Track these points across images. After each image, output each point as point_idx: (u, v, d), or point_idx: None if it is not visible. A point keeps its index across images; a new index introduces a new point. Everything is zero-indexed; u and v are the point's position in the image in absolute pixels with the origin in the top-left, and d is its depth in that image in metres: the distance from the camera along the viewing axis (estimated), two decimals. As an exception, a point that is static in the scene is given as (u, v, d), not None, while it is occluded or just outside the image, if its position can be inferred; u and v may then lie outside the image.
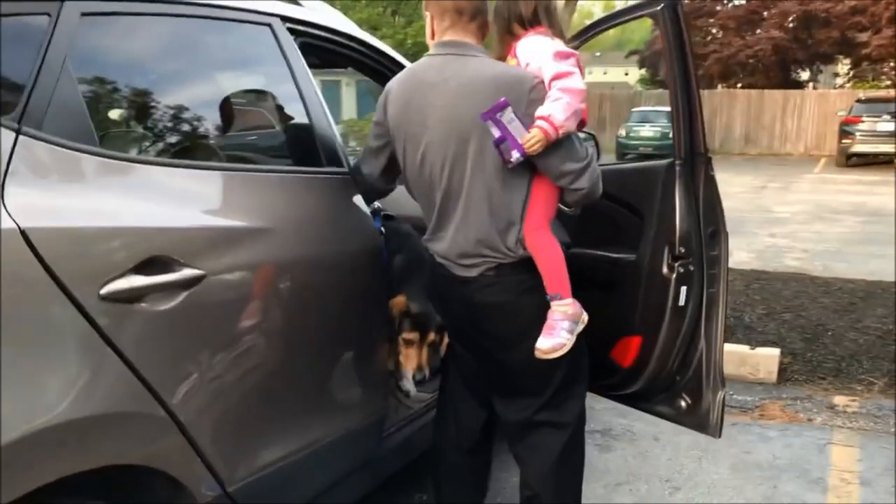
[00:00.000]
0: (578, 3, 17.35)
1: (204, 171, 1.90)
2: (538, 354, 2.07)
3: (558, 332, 2.07)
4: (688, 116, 2.37)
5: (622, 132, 21.70)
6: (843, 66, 30.02)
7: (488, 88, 1.99)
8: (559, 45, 2.08)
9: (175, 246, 1.68)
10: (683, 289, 2.43)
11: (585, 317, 2.16)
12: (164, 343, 1.65)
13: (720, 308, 2.47)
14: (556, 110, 1.96)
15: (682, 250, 2.41)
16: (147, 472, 1.65)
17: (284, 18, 2.30)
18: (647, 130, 21.22)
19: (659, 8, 2.31)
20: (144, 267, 1.60)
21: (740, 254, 7.95)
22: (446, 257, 2.15)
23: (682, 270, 2.42)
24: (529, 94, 2.00)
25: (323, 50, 2.55)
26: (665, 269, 2.44)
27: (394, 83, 2.19)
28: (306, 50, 2.37)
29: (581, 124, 2.14)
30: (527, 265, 2.10)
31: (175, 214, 1.72)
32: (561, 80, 2.00)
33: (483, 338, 2.23)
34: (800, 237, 9.36)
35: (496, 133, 1.95)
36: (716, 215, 2.47)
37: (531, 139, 1.95)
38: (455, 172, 2.06)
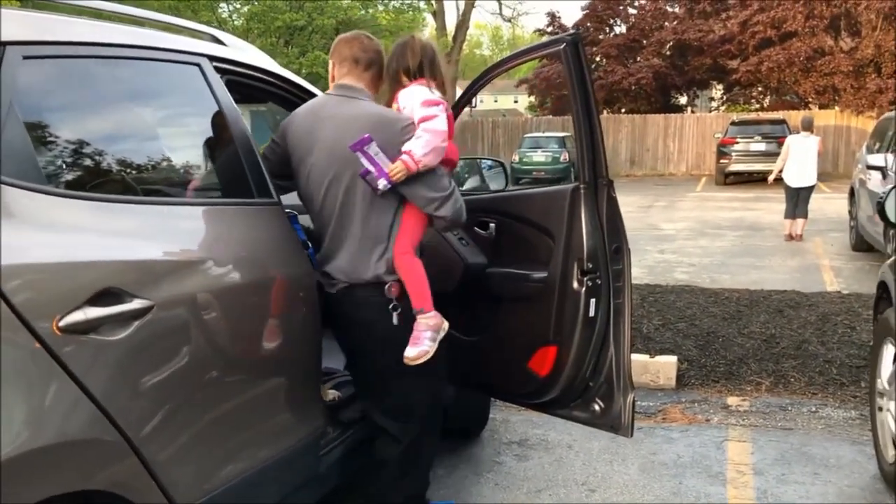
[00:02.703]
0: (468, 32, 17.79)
1: (144, 206, 1.98)
2: (406, 361, 2.40)
3: (423, 342, 2.41)
4: (590, 144, 2.60)
5: (515, 158, 22.22)
6: (717, 90, 31.62)
7: (364, 126, 2.38)
8: (430, 94, 2.49)
9: (125, 278, 1.75)
10: (592, 301, 2.65)
11: (446, 325, 2.51)
12: (117, 371, 1.72)
13: (626, 317, 2.70)
14: (417, 147, 2.36)
15: (590, 266, 2.63)
16: (105, 496, 1.71)
17: (212, 58, 2.40)
18: (539, 155, 21.82)
19: (562, 47, 2.53)
20: (98, 298, 1.67)
21: (634, 269, 8.31)
22: (320, 269, 2.50)
23: (590, 284, 2.63)
24: (401, 134, 2.40)
25: (246, 86, 2.65)
26: (575, 284, 2.65)
27: (296, 112, 2.60)
28: (231, 87, 2.48)
29: (450, 163, 2.56)
30: (379, 287, 2.44)
31: (123, 247, 1.80)
32: (425, 122, 2.40)
33: (345, 343, 2.67)
34: (687, 252, 9.92)
35: (365, 164, 2.32)
36: (618, 233, 2.71)
37: (395, 169, 2.34)
38: (330, 195, 2.45)
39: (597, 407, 2.77)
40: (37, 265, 1.58)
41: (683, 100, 31.23)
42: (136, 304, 1.76)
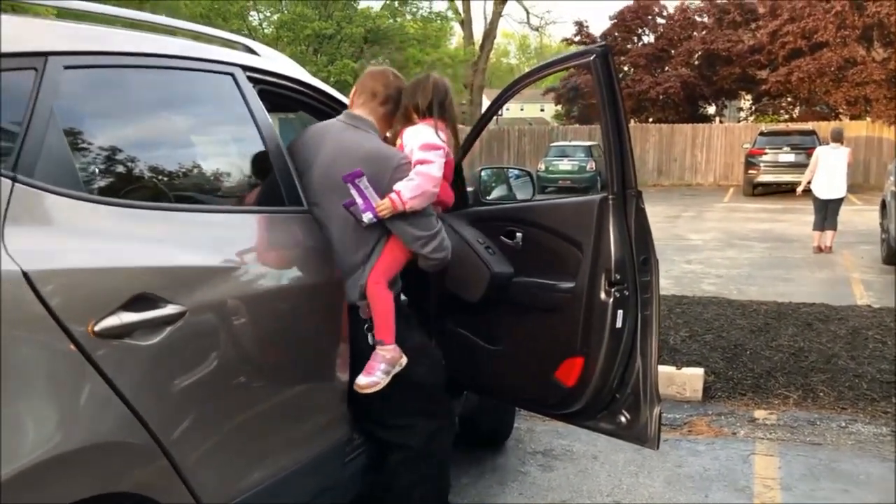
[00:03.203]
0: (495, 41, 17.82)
1: (180, 213, 2.02)
2: (356, 388, 2.45)
3: (375, 372, 2.45)
4: (619, 155, 2.60)
5: (541, 166, 22.19)
6: (746, 101, 31.40)
7: (358, 158, 2.45)
8: (433, 137, 2.53)
9: (159, 283, 1.79)
10: (620, 312, 2.64)
11: (404, 360, 2.52)
12: (150, 376, 1.75)
13: (654, 329, 2.69)
14: (407, 188, 2.40)
15: (618, 277, 2.62)
16: (133, 498, 1.73)
17: (245, 68, 2.44)
18: (565, 164, 21.79)
19: (591, 58, 2.54)
20: (133, 304, 1.70)
21: (661, 280, 8.27)
22: None
23: (618, 295, 2.63)
24: (393, 172, 2.44)
25: (278, 96, 2.69)
26: (603, 295, 2.64)
27: (306, 130, 2.67)
28: (263, 96, 2.51)
29: (443, 205, 2.70)
30: (356, 307, 2.51)
31: (158, 253, 1.83)
32: (421, 165, 2.46)
33: None
34: (714, 263, 9.84)
35: (354, 195, 2.36)
36: (647, 244, 2.70)
37: (381, 205, 2.38)
38: (321, 210, 2.48)
39: (623, 419, 2.75)
40: (73, 270, 1.62)
41: (712, 110, 31.06)
42: (169, 309, 1.79)
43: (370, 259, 2.51)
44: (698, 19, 28.65)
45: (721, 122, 30.26)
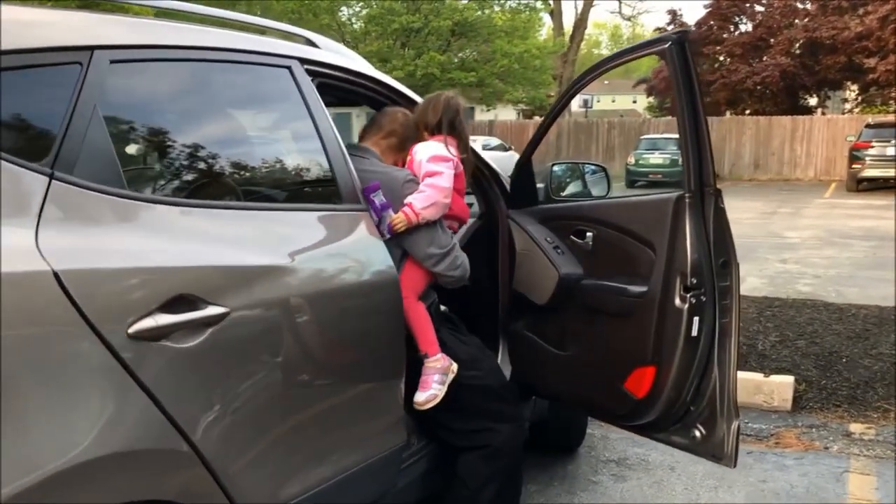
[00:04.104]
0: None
1: (226, 210, 1.96)
2: (416, 406, 2.48)
3: (431, 385, 2.47)
4: (696, 150, 2.42)
5: (631, 160, 21.75)
6: (851, 91, 30.03)
7: (370, 178, 2.44)
8: (441, 150, 2.58)
9: (199, 284, 1.73)
10: (696, 319, 2.46)
11: (455, 367, 2.53)
12: (188, 380, 1.69)
13: (733, 338, 2.50)
14: (418, 200, 2.44)
15: (694, 281, 2.44)
16: (170, 505, 1.69)
17: (303, 60, 2.37)
18: (656, 158, 21.28)
19: (667, 45, 2.36)
20: (170, 305, 1.65)
21: (752, 280, 7.94)
22: None
23: (694, 301, 2.44)
24: (402, 189, 2.48)
25: (338, 89, 2.62)
26: (677, 300, 2.47)
27: None
28: (323, 89, 2.44)
29: (459, 220, 2.77)
30: None
31: (199, 253, 1.77)
32: (430, 177, 2.50)
33: None
34: (811, 262, 9.35)
35: (371, 213, 2.35)
36: (726, 246, 2.50)
37: (396, 219, 2.40)
38: None
39: (697, 433, 2.57)
40: (106, 270, 1.57)
41: (813, 101, 29.76)
42: (210, 310, 1.73)
43: (398, 272, 2.49)
44: (800, 6, 27.45)
45: (823, 113, 28.96)
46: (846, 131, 22.72)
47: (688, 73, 2.36)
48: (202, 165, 2.01)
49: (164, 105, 1.94)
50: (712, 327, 2.49)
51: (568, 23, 34.92)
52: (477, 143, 22.49)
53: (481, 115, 33.05)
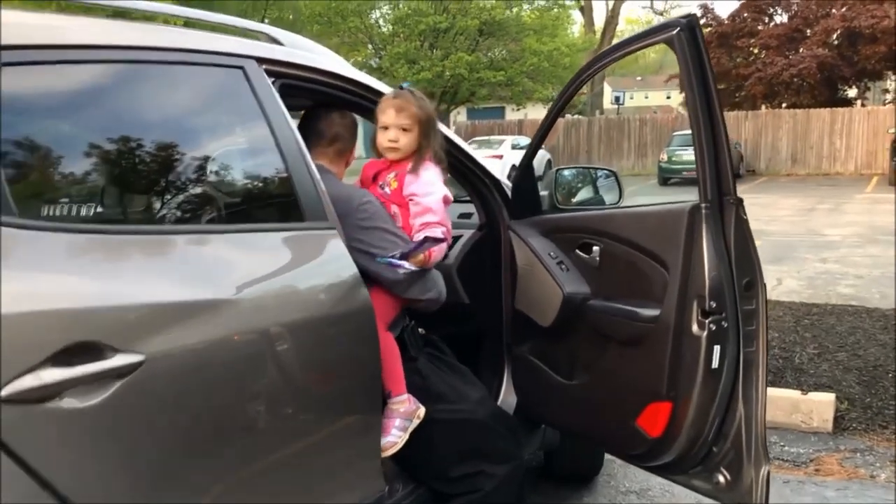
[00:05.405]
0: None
1: (147, 237, 1.67)
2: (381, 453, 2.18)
3: (390, 431, 2.19)
4: (713, 152, 2.09)
5: (663, 157, 21.29)
6: (892, 81, 29.26)
7: None
8: (445, 190, 2.33)
9: (106, 328, 1.44)
10: (716, 349, 2.12)
11: (421, 412, 2.26)
12: (87, 448, 1.40)
13: (760, 369, 2.16)
14: (438, 252, 2.22)
15: (714, 305, 2.10)
16: None
17: (261, 60, 2.08)
18: (689, 154, 20.62)
19: (675, 32, 2.04)
20: (64, 356, 1.36)
21: (790, 282, 7.54)
22: None
23: (713, 328, 2.11)
24: (356, 212, 2.20)
25: (307, 91, 2.33)
26: (695, 327, 2.14)
27: None
28: (289, 92, 2.16)
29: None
30: None
31: (107, 291, 1.48)
32: (443, 226, 2.27)
33: None
34: (853, 262, 8.89)
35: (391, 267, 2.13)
36: (751, 263, 2.16)
37: (415, 258, 2.15)
38: None
39: (721, 478, 2.24)
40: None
41: (852, 93, 29.02)
42: (119, 359, 1.44)
43: None
44: (837, -6, 26.77)
45: (863, 105, 28.19)
46: (888, 123, 22.35)
47: (700, 63, 2.03)
48: (115, 184, 1.70)
49: (71, 114, 1.64)
50: (735, 358, 2.16)
51: (599, 20, 34.44)
52: (506, 142, 22.24)
53: (511, 115, 32.74)
